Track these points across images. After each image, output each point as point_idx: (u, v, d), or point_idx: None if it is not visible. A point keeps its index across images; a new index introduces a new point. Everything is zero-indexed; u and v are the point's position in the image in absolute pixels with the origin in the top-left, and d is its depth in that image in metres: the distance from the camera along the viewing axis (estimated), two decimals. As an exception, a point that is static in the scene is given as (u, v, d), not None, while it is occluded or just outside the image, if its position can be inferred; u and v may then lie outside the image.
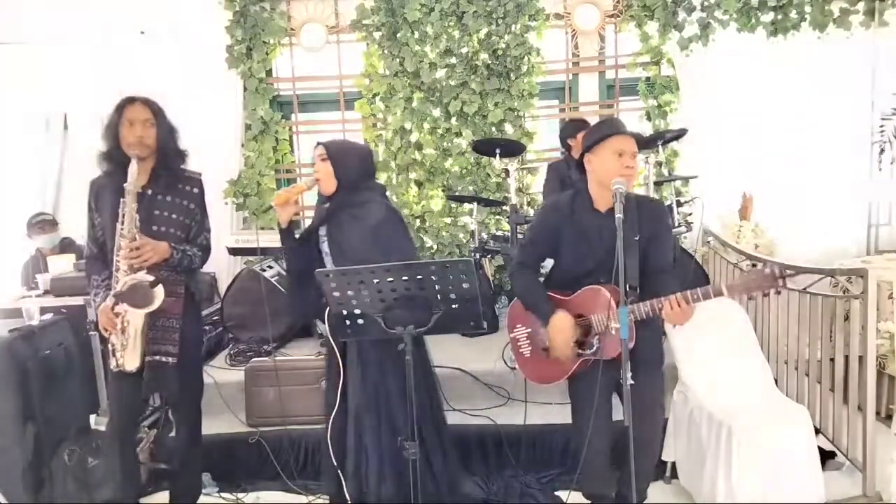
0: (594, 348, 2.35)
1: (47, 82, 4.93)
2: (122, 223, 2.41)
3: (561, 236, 2.43)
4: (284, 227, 2.48)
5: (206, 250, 2.68)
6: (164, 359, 2.49)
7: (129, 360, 2.45)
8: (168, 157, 2.56)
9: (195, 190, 2.64)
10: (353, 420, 2.44)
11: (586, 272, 2.37)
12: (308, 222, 4.99)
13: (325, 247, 2.51)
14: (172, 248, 2.51)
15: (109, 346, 2.50)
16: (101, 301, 2.49)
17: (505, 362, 3.38)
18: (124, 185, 2.41)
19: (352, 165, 2.47)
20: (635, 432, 2.08)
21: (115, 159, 2.51)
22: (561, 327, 2.35)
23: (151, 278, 2.41)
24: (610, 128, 2.38)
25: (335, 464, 2.49)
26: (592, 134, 2.40)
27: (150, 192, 2.51)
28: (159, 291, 2.41)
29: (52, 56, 4.93)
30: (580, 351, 2.38)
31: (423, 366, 2.55)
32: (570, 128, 4.19)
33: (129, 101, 2.54)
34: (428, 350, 2.62)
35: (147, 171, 2.53)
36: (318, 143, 2.50)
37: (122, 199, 2.41)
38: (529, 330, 2.55)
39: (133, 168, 2.42)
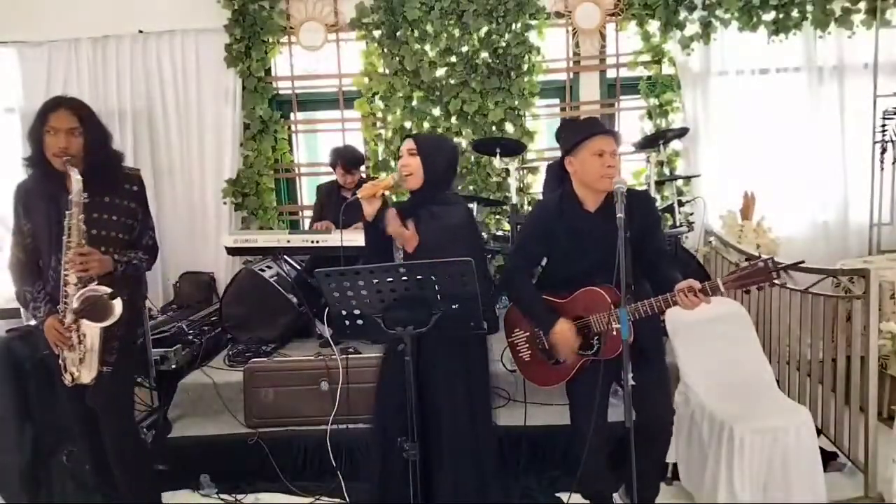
0: (595, 349, 2.34)
1: (46, 82, 4.91)
2: (69, 235, 2.28)
3: (553, 239, 2.40)
4: (371, 221, 2.40)
5: (151, 251, 2.57)
6: (103, 368, 2.38)
7: (86, 372, 2.36)
8: (97, 166, 2.36)
9: (135, 188, 2.50)
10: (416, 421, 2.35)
11: (581, 272, 2.35)
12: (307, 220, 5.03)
13: (398, 242, 2.44)
14: (116, 261, 2.39)
15: (60, 361, 2.38)
16: (45, 314, 2.35)
17: (504, 365, 3.36)
18: (55, 191, 2.31)
19: (441, 162, 2.40)
20: (640, 426, 2.06)
21: (41, 166, 2.34)
22: (564, 338, 2.35)
23: (108, 290, 2.30)
24: (587, 129, 2.34)
25: (379, 465, 2.45)
26: (570, 136, 2.35)
27: (86, 195, 2.34)
28: (118, 304, 2.31)
29: (51, 55, 4.91)
30: (581, 352, 2.37)
31: (483, 367, 2.50)
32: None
33: (54, 105, 2.32)
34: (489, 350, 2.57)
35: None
36: (408, 137, 2.44)
37: (66, 211, 2.27)
38: (527, 334, 2.53)
39: (76, 178, 2.27)
